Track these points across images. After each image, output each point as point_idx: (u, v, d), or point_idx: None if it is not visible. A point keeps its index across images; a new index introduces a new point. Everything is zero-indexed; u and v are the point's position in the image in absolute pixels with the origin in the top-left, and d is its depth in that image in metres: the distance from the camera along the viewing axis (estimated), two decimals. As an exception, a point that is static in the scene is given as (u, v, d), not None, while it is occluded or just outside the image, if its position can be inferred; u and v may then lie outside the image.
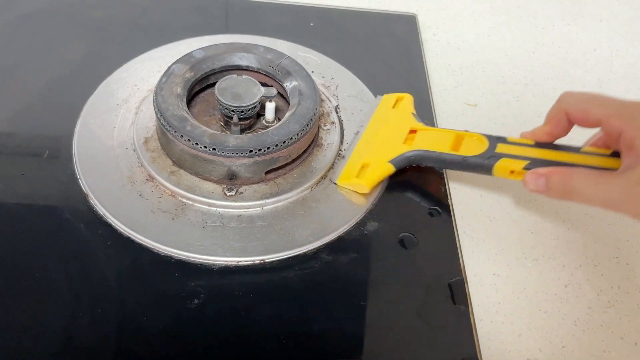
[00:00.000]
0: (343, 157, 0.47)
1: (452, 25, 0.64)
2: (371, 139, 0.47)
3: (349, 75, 0.54)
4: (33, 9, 0.57)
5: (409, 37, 0.60)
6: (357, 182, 0.44)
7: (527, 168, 0.40)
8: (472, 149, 0.43)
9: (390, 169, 0.44)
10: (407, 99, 0.49)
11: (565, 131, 0.40)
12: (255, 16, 0.60)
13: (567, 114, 0.39)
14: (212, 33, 0.56)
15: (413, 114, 0.48)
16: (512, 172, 0.41)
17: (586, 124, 0.38)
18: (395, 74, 0.56)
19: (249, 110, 0.44)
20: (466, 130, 0.45)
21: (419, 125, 0.46)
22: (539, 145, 0.41)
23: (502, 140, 0.42)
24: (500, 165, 0.41)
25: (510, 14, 0.66)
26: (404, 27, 0.61)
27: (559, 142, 0.41)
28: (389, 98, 0.50)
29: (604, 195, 0.35)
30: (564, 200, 0.38)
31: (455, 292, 0.40)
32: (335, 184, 0.45)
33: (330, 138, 0.48)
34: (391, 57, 0.57)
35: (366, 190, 0.44)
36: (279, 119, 0.47)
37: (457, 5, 0.66)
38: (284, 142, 0.42)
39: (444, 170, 0.47)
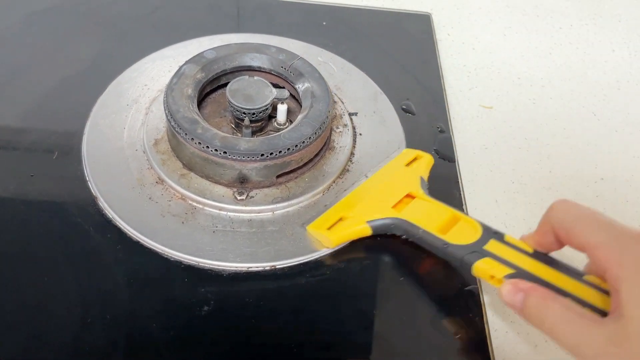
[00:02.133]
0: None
1: (467, 25, 0.62)
2: (364, 193, 0.43)
3: (362, 76, 0.53)
4: (43, 7, 0.56)
5: (423, 36, 0.59)
6: (324, 235, 0.40)
7: (509, 277, 0.34)
8: (461, 236, 0.38)
9: (366, 231, 0.40)
10: (425, 160, 0.45)
11: (555, 246, 0.34)
12: (267, 15, 0.59)
13: (553, 229, 0.33)
14: (223, 32, 0.56)
15: (422, 178, 0.43)
16: (492, 276, 0.35)
17: (571, 245, 0.32)
18: (409, 75, 0.55)
19: (260, 112, 0.44)
20: (466, 214, 0.41)
21: (420, 192, 0.41)
22: (536, 255, 0.35)
23: (499, 236, 0.37)
24: (481, 265, 0.35)
25: (526, 13, 0.65)
26: (418, 27, 0.60)
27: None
28: (407, 154, 0.45)
29: (574, 342, 0.29)
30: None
31: (470, 302, 0.39)
32: (305, 229, 0.41)
33: (342, 141, 0.47)
34: (405, 57, 0.56)
35: (330, 245, 0.40)
36: (291, 121, 0.46)
37: (472, 4, 0.65)
38: (296, 145, 0.41)
39: (459, 174, 0.47)
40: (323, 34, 0.57)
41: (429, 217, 0.39)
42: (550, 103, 0.55)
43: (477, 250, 0.36)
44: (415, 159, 0.45)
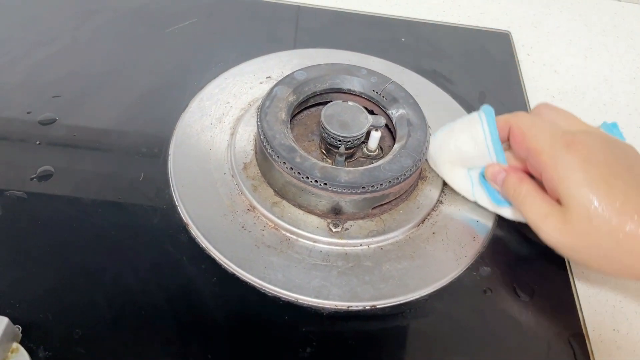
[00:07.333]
0: (445, 193, 0.43)
1: (546, 45, 0.60)
2: None
3: (446, 98, 0.52)
4: (108, 18, 0.55)
5: (504, 56, 0.57)
6: None
7: None
8: None
9: None
10: None
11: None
12: (344, 30, 0.57)
13: (511, 128, 0.39)
14: (298, 47, 0.54)
15: None
16: None
17: (520, 148, 0.38)
18: (494, 97, 0.53)
19: (356, 140, 0.42)
20: None
21: None
22: None
23: None
24: None
25: (606, 33, 0.63)
26: (499, 46, 0.58)
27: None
28: None
29: (535, 220, 0.36)
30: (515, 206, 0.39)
31: (577, 349, 0.38)
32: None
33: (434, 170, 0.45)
34: (488, 78, 0.54)
35: None
36: (381, 148, 0.45)
37: (550, 23, 0.63)
38: (397, 178, 0.40)
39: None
40: (402, 51, 0.55)
41: None
42: (639, 133, 0.53)
43: None
44: None
